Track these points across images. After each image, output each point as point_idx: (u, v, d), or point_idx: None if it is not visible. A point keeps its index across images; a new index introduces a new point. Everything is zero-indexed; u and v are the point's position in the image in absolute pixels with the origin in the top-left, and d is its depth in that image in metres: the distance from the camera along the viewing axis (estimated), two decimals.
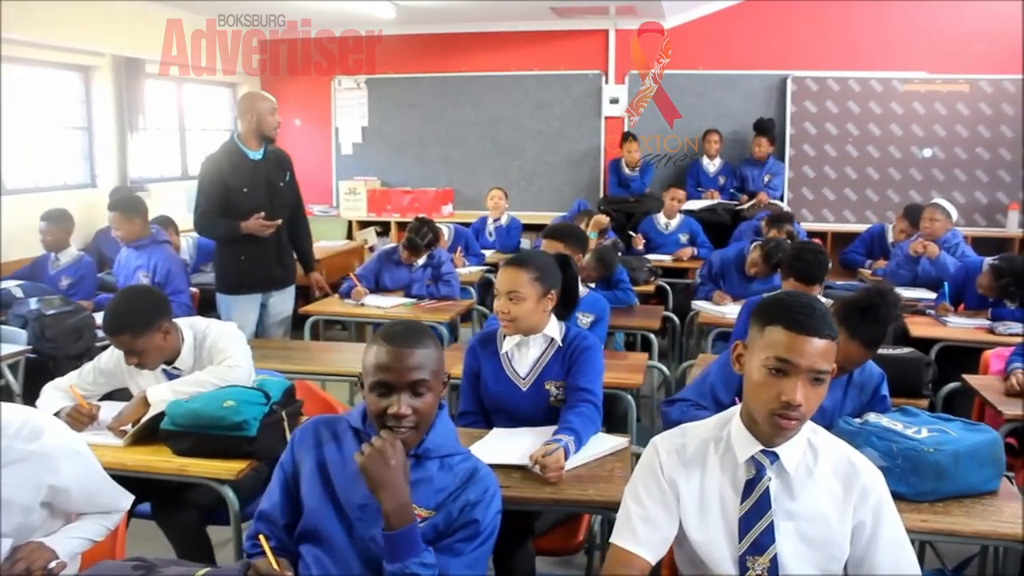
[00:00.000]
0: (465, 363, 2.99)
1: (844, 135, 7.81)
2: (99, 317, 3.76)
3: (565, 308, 2.96)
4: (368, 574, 1.89)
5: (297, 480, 2.00)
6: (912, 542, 2.47)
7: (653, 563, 1.83)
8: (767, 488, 1.79)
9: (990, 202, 7.69)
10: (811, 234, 7.35)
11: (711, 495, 1.83)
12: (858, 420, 2.45)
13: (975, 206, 7.71)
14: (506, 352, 2.88)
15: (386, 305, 4.96)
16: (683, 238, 6.84)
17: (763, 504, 1.79)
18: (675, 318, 5.11)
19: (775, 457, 1.80)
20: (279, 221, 4.68)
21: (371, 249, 7.93)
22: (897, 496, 2.25)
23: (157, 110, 7.66)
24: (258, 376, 3.06)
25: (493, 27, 8.26)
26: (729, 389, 2.68)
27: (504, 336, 2.88)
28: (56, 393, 2.96)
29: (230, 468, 2.54)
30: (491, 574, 2.66)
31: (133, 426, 2.78)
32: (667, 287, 5.93)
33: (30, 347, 4.28)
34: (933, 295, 4.99)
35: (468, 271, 6.31)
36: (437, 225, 5.63)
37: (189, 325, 3.06)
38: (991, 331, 4.32)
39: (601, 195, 8.19)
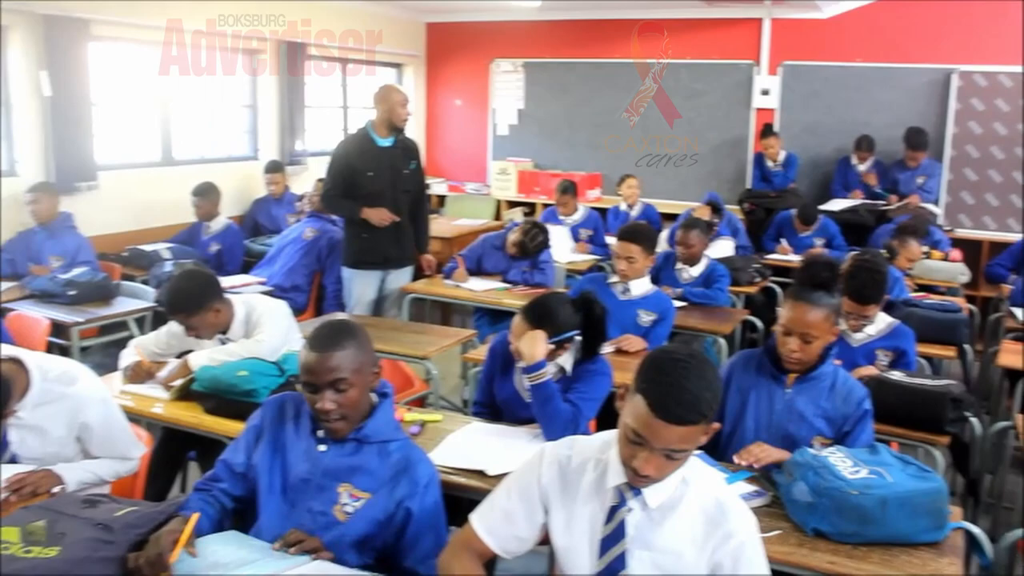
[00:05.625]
0: (485, 361, 3.19)
1: (1014, 136, 7.13)
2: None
3: (587, 348, 2.99)
4: None
5: (260, 440, 2.26)
6: None
7: (497, 552, 1.97)
8: (624, 518, 1.86)
9: None
10: (965, 242, 6.91)
11: (581, 510, 1.92)
12: (812, 451, 2.43)
13: None
14: (520, 365, 2.94)
15: (478, 289, 5.18)
16: (818, 242, 6.63)
17: (619, 532, 1.86)
18: (759, 323, 4.99)
19: (639, 491, 1.86)
20: (398, 218, 5.00)
21: None
22: (819, 533, 2.25)
23: (321, 89, 8.25)
24: (291, 350, 3.31)
25: (646, 14, 8.19)
26: None
27: None
28: (133, 350, 3.43)
29: (237, 428, 2.81)
30: None
31: None
32: (776, 289, 5.79)
33: (155, 304, 4.79)
34: None
35: (581, 258, 6.42)
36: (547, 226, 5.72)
37: (243, 301, 3.45)
38: None
39: (746, 187, 8.00)
